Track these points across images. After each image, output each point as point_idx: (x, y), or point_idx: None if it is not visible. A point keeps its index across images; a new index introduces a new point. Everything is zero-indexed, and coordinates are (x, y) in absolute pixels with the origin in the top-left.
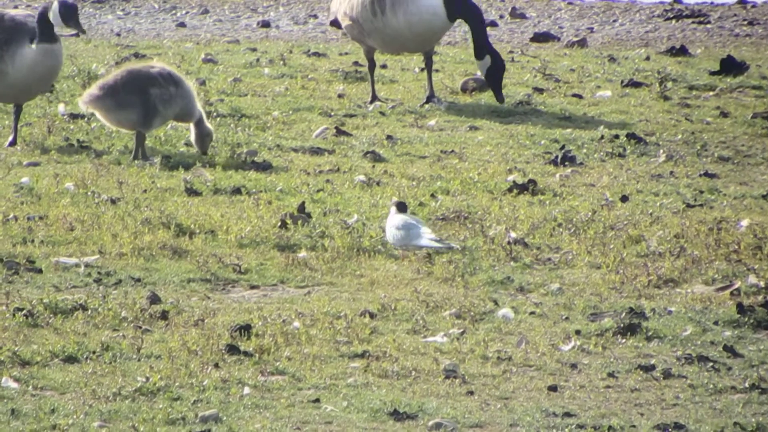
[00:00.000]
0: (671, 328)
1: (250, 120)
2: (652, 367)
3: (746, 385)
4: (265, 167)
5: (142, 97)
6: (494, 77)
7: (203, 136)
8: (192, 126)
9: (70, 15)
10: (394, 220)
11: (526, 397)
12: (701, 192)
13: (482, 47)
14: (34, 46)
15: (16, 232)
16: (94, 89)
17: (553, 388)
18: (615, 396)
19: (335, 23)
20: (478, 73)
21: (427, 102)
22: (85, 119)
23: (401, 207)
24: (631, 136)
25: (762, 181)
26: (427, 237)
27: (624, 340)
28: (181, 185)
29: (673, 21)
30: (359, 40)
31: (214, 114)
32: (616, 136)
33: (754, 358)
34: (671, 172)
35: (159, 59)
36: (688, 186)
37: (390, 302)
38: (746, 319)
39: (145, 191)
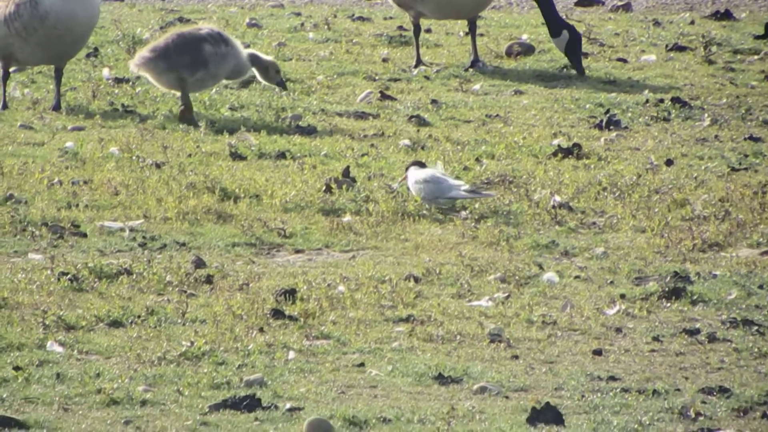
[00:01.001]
0: (716, 292)
1: (294, 84)
2: (697, 331)
3: None
4: (309, 131)
5: (194, 57)
6: (574, 51)
7: (267, 69)
8: (254, 71)
9: None
10: (420, 174)
11: (571, 361)
12: (746, 156)
13: (557, 25)
14: None
15: (61, 197)
16: (145, 52)
17: (597, 352)
18: (660, 360)
19: None
20: (524, 36)
21: (471, 66)
22: (130, 83)
23: (420, 164)
24: (675, 100)
25: None
26: (460, 189)
27: (669, 304)
28: (226, 150)
29: None
30: (407, 6)
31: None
32: (661, 100)
33: None
34: (716, 136)
35: (204, 23)
36: (732, 150)
37: (435, 266)
38: None
39: (189, 155)
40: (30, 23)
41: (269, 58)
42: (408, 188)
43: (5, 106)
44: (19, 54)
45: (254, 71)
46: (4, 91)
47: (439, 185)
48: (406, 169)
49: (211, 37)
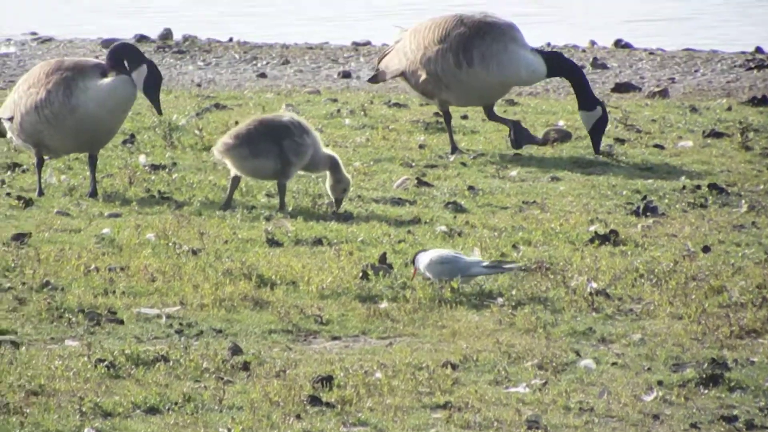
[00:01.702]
0: (754, 379)
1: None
2: (735, 418)
3: None
4: (346, 218)
5: (276, 147)
6: (600, 129)
7: (340, 182)
8: (328, 173)
9: (153, 86)
10: (433, 255)
11: None
12: None
13: (592, 99)
14: (106, 80)
15: (98, 283)
16: (227, 138)
17: None
18: None
19: (377, 78)
20: (560, 123)
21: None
22: (167, 170)
23: (423, 251)
24: (712, 186)
25: None
26: (479, 265)
27: (706, 391)
28: (262, 236)
29: (755, 71)
30: (431, 94)
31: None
32: (698, 187)
33: None
34: (753, 223)
35: (239, 109)
36: None
37: (472, 353)
38: None
39: (226, 242)
40: (60, 112)
41: (348, 175)
42: (423, 274)
43: (41, 193)
44: (49, 141)
45: (327, 174)
46: (39, 178)
47: (457, 264)
48: (413, 261)
49: (293, 126)
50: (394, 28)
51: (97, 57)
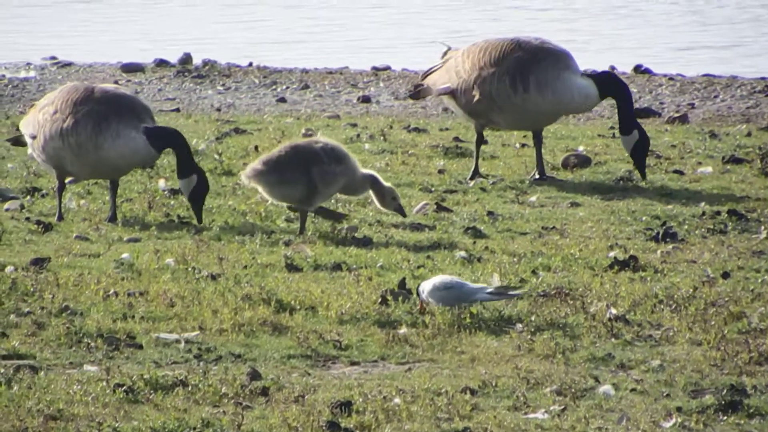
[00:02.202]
0: None
1: (350, 196)
2: None
3: None
4: (365, 243)
5: (305, 175)
6: (640, 153)
7: (385, 195)
8: (371, 193)
9: (199, 197)
10: (437, 281)
11: None
12: None
13: (631, 123)
14: (135, 134)
15: (117, 308)
16: (257, 164)
17: None
18: None
19: (420, 95)
20: (580, 148)
21: (540, 179)
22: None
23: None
24: (732, 212)
25: None
26: (484, 291)
27: (725, 418)
28: (281, 261)
29: None
30: (480, 115)
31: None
32: (718, 213)
33: None
34: None
35: (259, 134)
36: None
37: (491, 379)
38: None
39: (245, 267)
40: (85, 144)
41: (388, 184)
42: (427, 301)
43: (61, 218)
44: (70, 167)
45: (371, 194)
46: (60, 203)
47: (461, 290)
48: (418, 295)
49: (325, 153)
50: (441, 46)
51: (116, 82)
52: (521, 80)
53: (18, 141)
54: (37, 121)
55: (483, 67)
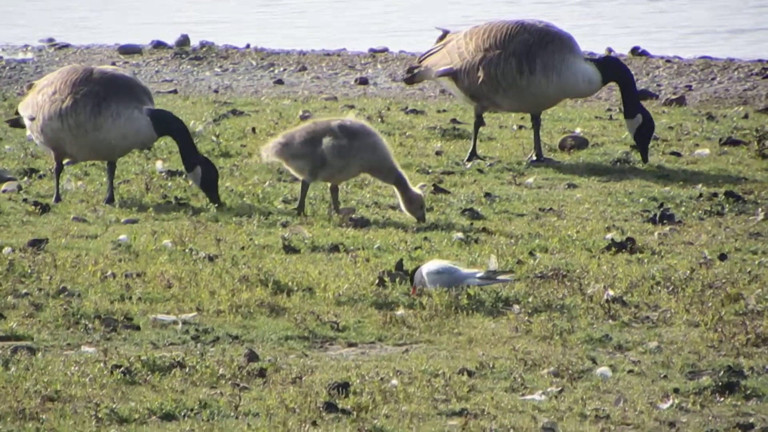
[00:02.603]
0: None
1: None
2: (751, 426)
3: None
4: (362, 224)
5: (312, 148)
6: (644, 136)
7: (410, 201)
8: (397, 192)
9: (211, 183)
10: (432, 266)
11: None
12: None
13: (634, 106)
14: (136, 114)
15: (114, 289)
16: (279, 138)
17: None
18: None
19: (416, 78)
20: (577, 130)
21: (537, 161)
22: (183, 176)
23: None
24: (729, 194)
25: None
26: (474, 276)
27: (722, 399)
28: (279, 242)
29: None
30: (482, 97)
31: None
32: (715, 194)
33: None
34: None
35: (256, 116)
36: None
37: (488, 360)
38: None
39: (242, 248)
40: (84, 125)
41: (418, 191)
42: (422, 285)
43: (58, 199)
44: (69, 149)
45: (396, 192)
46: (58, 184)
47: (453, 275)
48: (411, 279)
49: (339, 128)
50: (436, 30)
51: (114, 63)
52: (527, 63)
53: (17, 123)
54: (36, 102)
55: (488, 49)
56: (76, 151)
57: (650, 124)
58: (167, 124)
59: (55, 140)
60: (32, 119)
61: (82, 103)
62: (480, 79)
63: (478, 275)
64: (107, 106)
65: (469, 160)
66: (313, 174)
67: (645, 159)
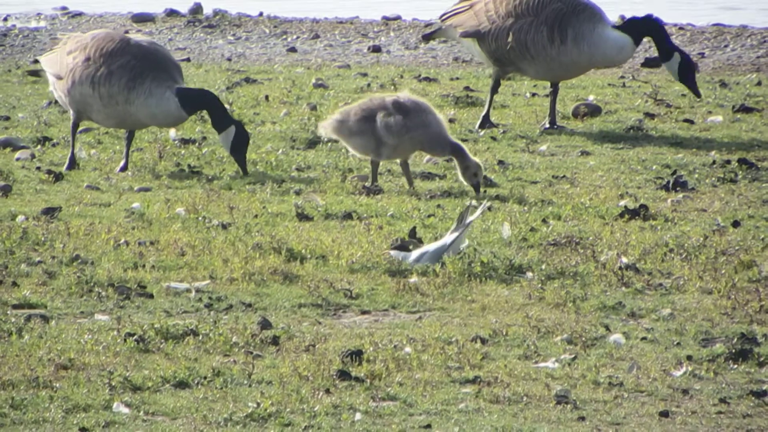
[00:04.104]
0: None
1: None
2: (764, 393)
3: None
4: (375, 192)
5: (369, 125)
6: (687, 74)
7: (465, 169)
8: (456, 161)
9: (241, 148)
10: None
11: (638, 422)
12: None
13: (669, 49)
14: (167, 95)
15: (127, 258)
16: (336, 114)
17: (664, 414)
18: (727, 422)
19: (436, 35)
20: (590, 98)
21: (550, 127)
22: (197, 144)
23: (402, 248)
24: (742, 161)
25: None
26: (455, 237)
27: (736, 366)
28: (292, 210)
29: None
30: (508, 62)
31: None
32: (728, 162)
33: None
34: None
35: (269, 84)
36: None
37: (501, 327)
38: None
39: (256, 216)
40: (116, 96)
41: (476, 159)
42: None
43: (72, 165)
44: (94, 115)
45: (456, 162)
46: (73, 144)
47: (435, 252)
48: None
49: (393, 106)
50: None
51: (127, 32)
52: (559, 32)
53: (36, 73)
54: (66, 63)
55: (520, 15)
56: (102, 118)
57: (689, 61)
58: (196, 100)
59: (83, 104)
60: (59, 78)
61: (117, 75)
62: (509, 45)
63: (452, 230)
64: (141, 82)
65: (481, 126)
66: (378, 152)
67: (696, 93)
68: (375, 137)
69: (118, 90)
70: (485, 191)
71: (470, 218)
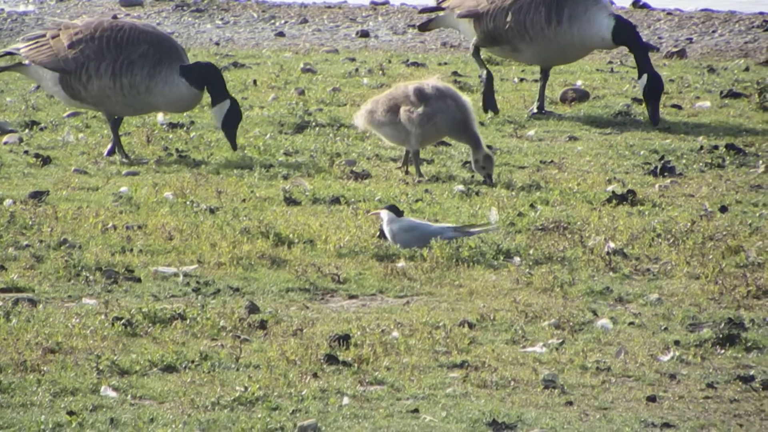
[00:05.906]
0: None
1: (348, 130)
2: (752, 378)
3: None
4: (363, 177)
5: (396, 116)
6: (650, 96)
7: (476, 161)
8: (471, 151)
9: (233, 124)
10: (399, 223)
11: (625, 407)
12: None
13: (642, 67)
14: (182, 82)
15: (115, 242)
16: (368, 104)
17: (651, 399)
18: (714, 407)
19: (427, 26)
20: (578, 83)
21: (538, 112)
22: (185, 128)
23: (395, 210)
24: (730, 146)
25: None
26: (447, 231)
27: (723, 351)
28: (280, 195)
29: None
30: (504, 43)
31: (313, 124)
32: (715, 147)
33: None
34: None
35: (257, 68)
36: None
37: (489, 312)
38: None
39: (243, 201)
40: (137, 86)
41: (488, 151)
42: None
43: (112, 152)
44: (110, 106)
45: (470, 149)
46: (118, 139)
47: (423, 232)
48: (381, 232)
49: (415, 94)
50: None
51: (115, 16)
52: (556, 13)
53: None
54: (70, 57)
55: None
56: (119, 108)
57: (655, 83)
58: (200, 74)
59: (100, 97)
60: (65, 72)
61: (139, 64)
62: (507, 25)
63: (452, 228)
64: (160, 70)
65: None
66: (409, 142)
67: (653, 121)
68: (399, 127)
69: (140, 79)
70: (472, 176)
71: (475, 229)
